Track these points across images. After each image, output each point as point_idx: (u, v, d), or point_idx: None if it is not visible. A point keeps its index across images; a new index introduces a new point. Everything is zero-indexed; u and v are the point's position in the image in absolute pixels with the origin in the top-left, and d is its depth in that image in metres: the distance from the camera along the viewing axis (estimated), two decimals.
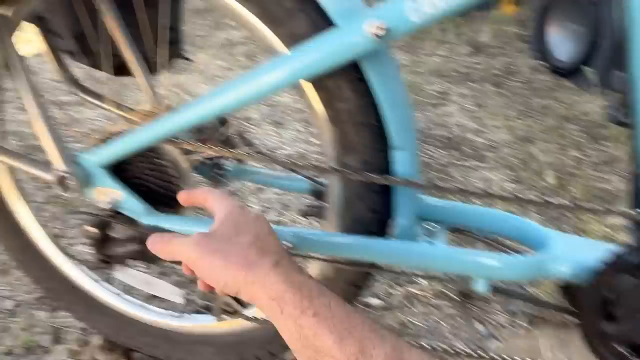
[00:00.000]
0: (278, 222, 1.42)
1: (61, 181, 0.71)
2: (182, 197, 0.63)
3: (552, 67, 2.43)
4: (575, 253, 0.62)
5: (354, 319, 0.44)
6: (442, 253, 0.64)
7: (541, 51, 2.50)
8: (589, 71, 2.14)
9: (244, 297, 0.48)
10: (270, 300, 0.45)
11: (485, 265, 0.62)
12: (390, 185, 0.69)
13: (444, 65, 2.57)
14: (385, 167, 0.67)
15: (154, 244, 0.56)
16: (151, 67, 0.96)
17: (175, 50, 1.00)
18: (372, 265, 0.73)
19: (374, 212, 0.70)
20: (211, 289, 0.54)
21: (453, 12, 0.54)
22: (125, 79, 0.92)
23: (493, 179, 1.58)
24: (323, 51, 0.58)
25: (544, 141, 1.79)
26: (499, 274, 0.63)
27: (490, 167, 1.65)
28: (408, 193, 0.67)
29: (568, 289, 0.66)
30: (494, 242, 0.77)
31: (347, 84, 0.64)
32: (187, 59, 1.05)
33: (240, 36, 3.31)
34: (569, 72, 2.33)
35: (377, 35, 0.54)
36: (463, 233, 0.77)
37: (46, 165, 0.72)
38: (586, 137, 1.81)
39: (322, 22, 0.61)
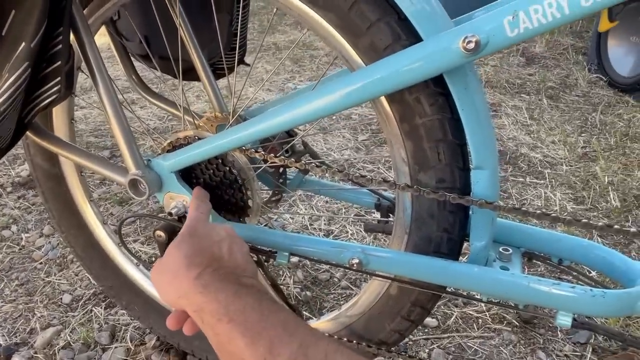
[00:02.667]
0: (328, 232, 1.41)
1: (133, 184, 0.72)
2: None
3: (612, 82, 2.32)
4: None
5: (268, 319, 0.47)
6: (522, 282, 0.61)
7: (600, 65, 2.40)
8: None
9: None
10: (193, 312, 0.49)
11: (571, 298, 0.59)
12: (466, 206, 0.66)
13: (495, 76, 2.50)
14: (462, 186, 0.65)
15: None
16: (216, 73, 0.97)
17: (241, 55, 1.01)
18: (441, 288, 0.70)
19: (446, 232, 0.68)
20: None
21: (552, 28, 0.52)
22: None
23: (552, 198, 1.51)
24: (408, 65, 0.56)
25: (606, 159, 1.70)
26: (585, 309, 0.59)
27: (549, 185, 1.58)
28: (485, 214, 0.64)
29: None
30: (571, 270, 0.73)
31: (427, 98, 0.61)
32: (247, 64, 1.06)
33: (286, 40, 3.34)
34: (630, 88, 2.23)
35: (469, 50, 0.52)
36: (539, 259, 0.73)
37: (120, 168, 0.73)
38: None
39: (406, 34, 0.59)
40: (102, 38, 0.94)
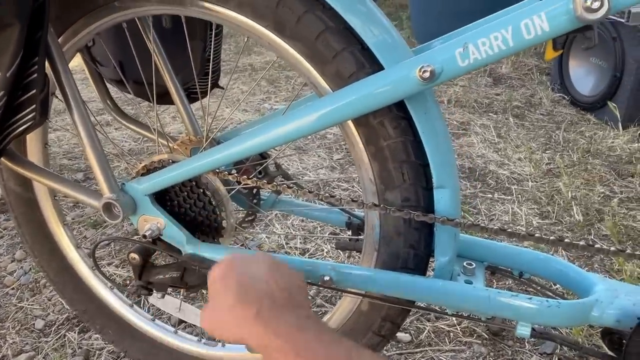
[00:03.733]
0: (304, 250, 1.43)
1: (107, 208, 0.73)
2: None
3: (574, 101, 2.43)
4: (619, 299, 0.62)
5: (333, 350, 0.48)
6: (483, 295, 0.64)
7: (563, 84, 2.51)
8: (612, 106, 2.14)
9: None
10: (259, 349, 0.49)
11: (528, 309, 0.62)
12: (430, 223, 0.69)
13: (464, 96, 2.59)
14: (426, 205, 0.68)
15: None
16: (190, 97, 0.99)
17: (215, 80, 1.03)
18: (410, 302, 0.73)
19: (413, 249, 0.71)
20: None
21: (497, 60, 0.56)
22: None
23: (519, 213, 1.57)
24: (371, 91, 0.60)
25: (569, 175, 1.78)
26: (542, 319, 0.63)
27: (516, 201, 1.64)
28: (448, 231, 0.68)
29: (609, 334, 0.65)
30: (531, 282, 0.77)
31: (390, 122, 0.65)
32: (221, 87, 1.09)
33: (262, 61, 3.38)
34: (592, 106, 2.34)
35: (425, 79, 0.56)
36: (501, 272, 0.77)
37: (93, 192, 0.74)
38: (612, 172, 1.80)
39: (369, 63, 0.63)
40: (76, 59, 0.95)
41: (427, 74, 0.54)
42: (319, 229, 1.55)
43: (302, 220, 1.57)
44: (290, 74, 3.10)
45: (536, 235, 0.61)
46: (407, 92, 0.58)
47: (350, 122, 0.67)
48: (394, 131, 0.65)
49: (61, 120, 2.31)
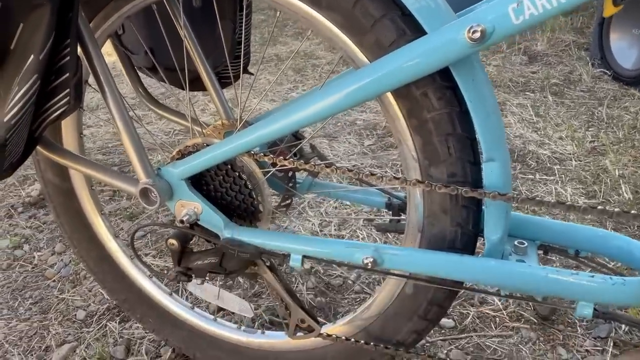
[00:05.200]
0: (338, 237, 1.40)
1: (144, 194, 0.72)
2: None
3: (616, 75, 2.31)
4: None
5: None
6: (541, 273, 0.60)
7: (604, 59, 2.39)
8: None
9: None
10: None
11: (590, 287, 0.58)
12: (478, 199, 0.65)
13: (499, 76, 2.50)
14: (474, 180, 0.64)
15: None
16: (220, 82, 0.97)
17: (245, 62, 1.01)
18: (458, 284, 0.69)
19: (460, 227, 0.67)
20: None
21: (556, 14, 0.51)
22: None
23: (563, 193, 1.50)
24: (414, 59, 0.56)
25: (615, 153, 1.69)
26: (606, 298, 0.58)
27: (559, 181, 1.57)
28: (499, 207, 0.64)
29: None
30: (589, 261, 0.72)
31: (434, 92, 0.61)
32: (250, 73, 1.07)
33: (287, 51, 3.36)
34: (636, 80, 2.21)
35: (474, 40, 0.52)
36: (555, 251, 0.72)
37: (130, 178, 0.73)
38: None
39: (411, 29, 0.59)
40: (107, 58, 0.95)
41: (477, 34, 0.50)
42: (353, 215, 1.52)
43: (336, 207, 1.54)
44: (317, 62, 3.06)
45: (599, 207, 0.56)
46: (454, 56, 0.54)
47: (389, 95, 0.63)
48: (439, 102, 0.61)
49: (94, 116, 2.35)
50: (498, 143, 0.62)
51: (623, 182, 1.52)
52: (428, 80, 0.60)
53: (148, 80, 1.04)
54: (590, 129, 1.90)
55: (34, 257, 1.40)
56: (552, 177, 1.60)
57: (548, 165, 1.67)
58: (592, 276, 0.59)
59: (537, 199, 0.59)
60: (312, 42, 3.43)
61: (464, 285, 0.69)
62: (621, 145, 1.75)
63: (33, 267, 1.37)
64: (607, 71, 2.36)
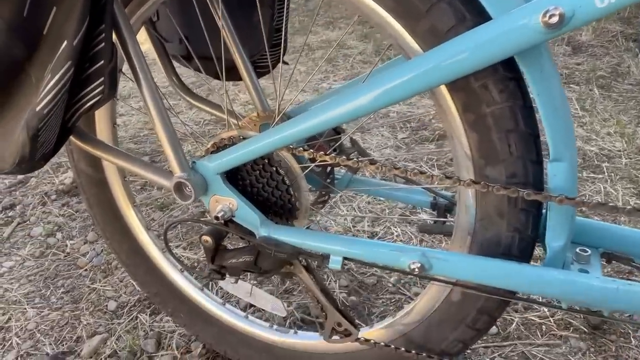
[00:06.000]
0: (372, 234, 1.35)
1: (178, 188, 0.69)
2: None
3: None
4: None
5: None
6: (611, 287, 0.54)
7: None
8: None
9: None
10: None
11: None
12: (539, 202, 0.60)
13: None
14: (535, 181, 0.58)
15: None
16: (256, 71, 0.93)
17: (282, 53, 0.97)
18: (510, 293, 0.64)
19: (518, 233, 0.61)
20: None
21: None
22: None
23: (613, 193, 1.41)
24: (477, 47, 0.51)
25: None
26: None
27: (608, 179, 1.48)
28: (564, 212, 0.58)
29: None
30: None
31: (496, 84, 0.55)
32: (286, 63, 1.02)
33: (318, 40, 3.30)
34: None
35: (551, 25, 0.46)
36: (620, 260, 0.66)
37: (164, 171, 0.70)
38: None
39: (472, 14, 0.53)
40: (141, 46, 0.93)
41: (554, 19, 0.44)
42: (387, 211, 1.46)
43: (369, 202, 1.49)
44: (349, 52, 3.00)
45: None
46: (525, 44, 0.48)
47: (443, 87, 0.58)
48: (500, 95, 0.55)
49: (126, 105, 2.35)
50: (566, 141, 0.56)
51: None
52: (489, 71, 0.54)
53: (180, 69, 1.01)
54: None
55: (66, 246, 1.41)
56: (600, 176, 1.50)
57: (596, 162, 1.58)
58: None
59: (611, 204, 0.53)
60: (343, 31, 3.36)
61: (516, 294, 0.64)
62: None
63: (65, 256, 1.37)
64: None
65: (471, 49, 0.51)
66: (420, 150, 1.79)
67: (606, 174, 1.51)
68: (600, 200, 0.50)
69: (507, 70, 0.54)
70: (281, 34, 0.95)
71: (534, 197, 0.56)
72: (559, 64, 2.40)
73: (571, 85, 2.16)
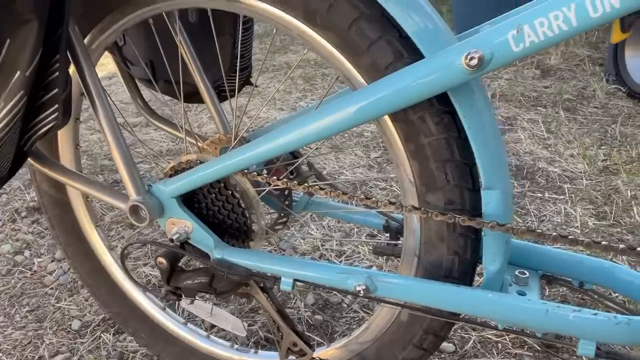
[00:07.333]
0: (340, 252, 1.38)
1: (134, 210, 0.71)
2: None
3: (631, 92, 2.26)
4: None
5: None
6: (540, 308, 0.57)
7: (618, 75, 2.33)
8: None
9: None
10: None
11: (593, 326, 0.55)
12: (477, 228, 0.63)
13: (510, 89, 2.46)
14: (472, 208, 0.62)
15: None
16: (220, 95, 0.96)
17: (245, 77, 1.00)
18: (454, 315, 0.66)
19: (457, 256, 0.64)
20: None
21: (559, 42, 0.49)
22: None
23: (572, 214, 1.46)
24: (411, 83, 0.54)
25: (628, 173, 1.64)
26: (609, 337, 0.55)
27: (569, 200, 1.53)
28: (498, 237, 0.61)
29: None
30: (593, 294, 0.69)
31: (432, 117, 0.59)
32: (255, 85, 1.05)
33: (298, 59, 3.36)
34: None
35: (472, 66, 0.50)
36: (558, 282, 0.69)
37: (121, 194, 0.72)
38: None
39: (408, 52, 0.57)
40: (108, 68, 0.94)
41: (474, 61, 0.48)
42: (356, 230, 1.49)
43: (339, 221, 1.51)
44: (327, 71, 3.05)
45: (603, 243, 0.53)
46: (451, 82, 0.52)
47: (387, 118, 0.61)
48: (436, 127, 0.59)
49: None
50: (498, 170, 0.59)
51: (635, 204, 1.47)
52: (426, 105, 0.58)
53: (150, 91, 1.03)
54: (602, 147, 1.85)
55: (33, 264, 1.40)
56: (562, 197, 1.56)
57: (558, 183, 1.63)
58: (595, 314, 0.56)
59: (538, 230, 0.56)
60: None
61: (460, 316, 0.66)
62: (634, 164, 1.71)
63: (32, 274, 1.36)
64: (621, 87, 2.31)
65: (407, 85, 0.55)
66: (391, 170, 1.83)
67: (567, 194, 1.56)
68: (528, 227, 0.53)
69: (442, 105, 0.58)
70: (246, 59, 0.98)
71: (468, 223, 0.59)
72: (527, 86, 2.48)
73: (538, 108, 2.24)
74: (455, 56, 0.50)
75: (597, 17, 0.45)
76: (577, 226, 1.41)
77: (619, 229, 1.39)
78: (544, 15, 0.46)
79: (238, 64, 0.90)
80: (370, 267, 1.32)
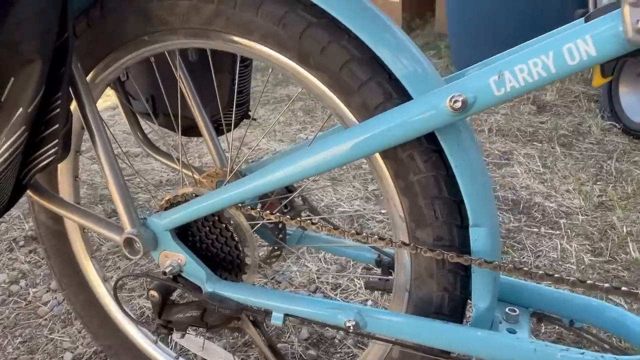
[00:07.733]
0: (335, 285, 1.37)
1: (129, 243, 0.71)
2: None
3: (626, 129, 2.29)
4: None
5: None
6: (528, 348, 0.57)
7: (613, 111, 2.37)
8: None
9: None
10: None
11: None
12: (466, 265, 0.63)
13: (506, 125, 2.49)
14: (461, 244, 0.62)
15: None
16: (218, 129, 0.98)
17: (244, 112, 1.03)
18: (445, 353, 0.66)
19: (447, 292, 0.65)
20: None
21: (539, 87, 0.51)
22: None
23: (568, 249, 1.46)
24: (399, 123, 0.56)
25: (624, 209, 1.65)
26: None
27: (565, 236, 1.53)
28: (486, 274, 0.62)
29: None
30: (583, 332, 0.69)
31: (421, 155, 0.61)
32: (253, 118, 1.08)
33: (298, 92, 3.42)
34: None
35: (456, 109, 0.52)
36: (549, 320, 0.69)
37: (116, 227, 0.73)
38: None
39: (397, 93, 0.59)
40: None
41: (458, 104, 0.50)
42: (352, 263, 1.49)
43: (335, 254, 1.52)
44: None
45: (588, 282, 0.53)
46: (437, 123, 0.54)
47: (377, 155, 0.63)
48: (425, 165, 0.61)
49: None
50: (485, 208, 0.60)
51: (631, 240, 1.48)
52: (415, 143, 0.60)
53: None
54: (598, 183, 1.87)
55: (28, 294, 1.40)
56: (557, 232, 1.56)
57: (554, 218, 1.64)
58: (583, 353, 0.56)
59: (525, 268, 0.57)
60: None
61: (451, 354, 0.66)
62: (630, 200, 1.72)
63: (27, 304, 1.36)
64: (616, 124, 2.35)
65: (395, 124, 0.57)
66: None
67: (563, 230, 1.57)
68: (515, 264, 0.53)
69: (431, 143, 0.60)
70: (244, 95, 1.01)
71: (456, 259, 0.59)
72: (524, 122, 2.52)
73: (534, 143, 2.27)
74: (440, 99, 0.52)
75: (575, 65, 0.47)
76: (573, 262, 1.41)
77: (614, 266, 1.38)
78: (523, 62, 0.48)
79: (235, 100, 0.92)
80: (366, 301, 1.31)
